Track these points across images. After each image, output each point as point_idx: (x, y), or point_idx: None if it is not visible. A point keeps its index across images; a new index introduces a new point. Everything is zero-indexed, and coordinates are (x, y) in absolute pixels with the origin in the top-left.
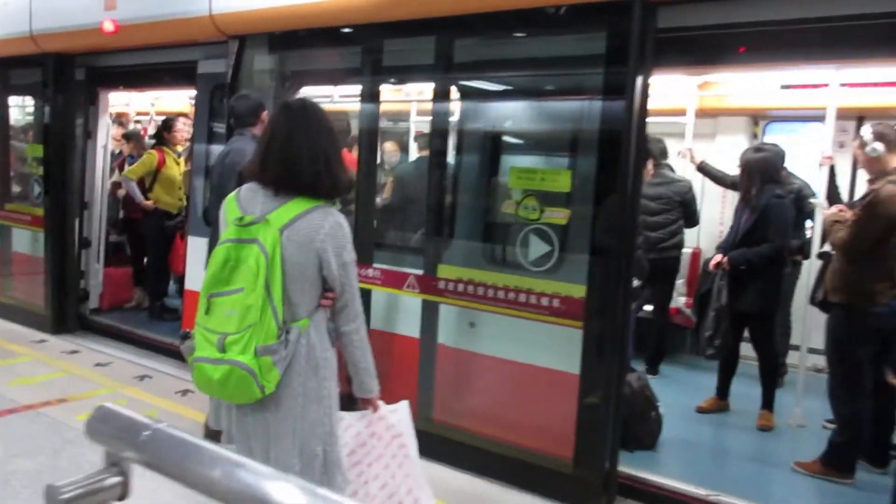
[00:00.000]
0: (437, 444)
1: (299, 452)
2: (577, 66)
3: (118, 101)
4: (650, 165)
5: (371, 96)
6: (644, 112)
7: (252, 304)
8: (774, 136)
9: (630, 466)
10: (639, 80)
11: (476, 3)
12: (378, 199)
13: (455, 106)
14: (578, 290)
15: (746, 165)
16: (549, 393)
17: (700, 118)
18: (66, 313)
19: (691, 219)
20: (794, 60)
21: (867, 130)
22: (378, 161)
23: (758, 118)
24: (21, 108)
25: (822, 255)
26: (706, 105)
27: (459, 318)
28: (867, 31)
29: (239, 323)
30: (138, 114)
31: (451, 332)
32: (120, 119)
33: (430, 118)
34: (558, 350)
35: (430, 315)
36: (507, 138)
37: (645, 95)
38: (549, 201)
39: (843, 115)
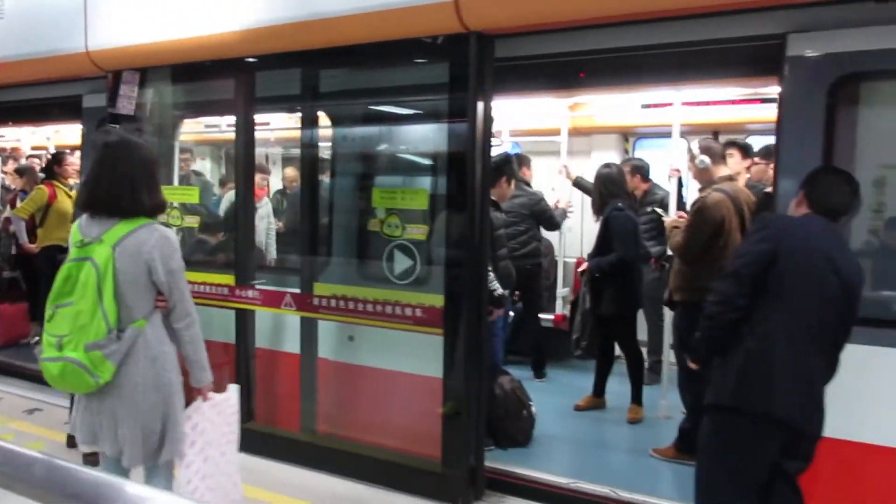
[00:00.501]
0: (320, 453)
1: (141, 430)
2: (426, 94)
3: (12, 136)
4: (510, 184)
5: (245, 126)
6: (487, 134)
7: (82, 310)
8: (643, 151)
9: (501, 462)
10: (479, 105)
11: (333, 37)
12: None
13: (324, 133)
14: (438, 300)
15: (595, 181)
16: (418, 398)
17: (576, 136)
18: None
19: (547, 225)
20: (628, 84)
21: (696, 145)
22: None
23: (628, 135)
24: None
25: (667, 259)
26: (579, 124)
27: (339, 332)
28: (678, 58)
29: (71, 326)
30: (34, 148)
31: (331, 347)
32: (13, 154)
33: (301, 145)
34: (424, 357)
35: (308, 331)
36: (371, 162)
37: (487, 119)
38: (410, 219)
39: (698, 130)
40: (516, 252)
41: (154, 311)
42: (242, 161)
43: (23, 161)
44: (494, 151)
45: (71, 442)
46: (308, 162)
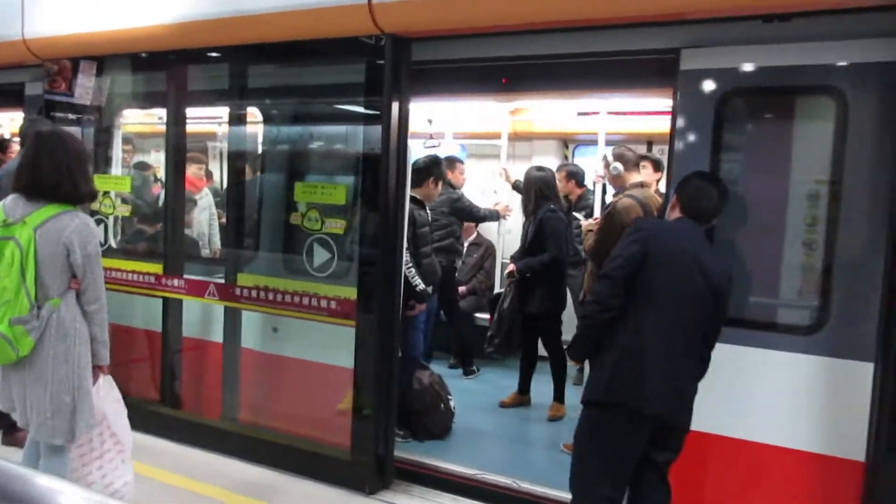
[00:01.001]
0: (238, 441)
1: (50, 400)
2: (344, 94)
3: None
4: (437, 185)
5: (175, 119)
6: (403, 134)
7: (7, 287)
8: (581, 157)
9: (416, 454)
10: (394, 107)
11: (254, 34)
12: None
13: (251, 128)
14: (351, 293)
15: (527, 183)
16: (331, 387)
17: (518, 141)
18: None
19: (469, 218)
20: (548, 90)
21: (610, 152)
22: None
23: (567, 142)
24: None
25: (581, 262)
26: (520, 129)
27: (263, 323)
28: (582, 68)
29: (7, 302)
30: None
31: (254, 337)
32: None
33: (228, 140)
34: (338, 348)
35: (232, 321)
36: (295, 158)
37: (402, 120)
38: (329, 213)
39: (634, 139)
40: (436, 244)
41: (68, 290)
42: (172, 153)
43: None
44: (430, 152)
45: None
46: (234, 156)
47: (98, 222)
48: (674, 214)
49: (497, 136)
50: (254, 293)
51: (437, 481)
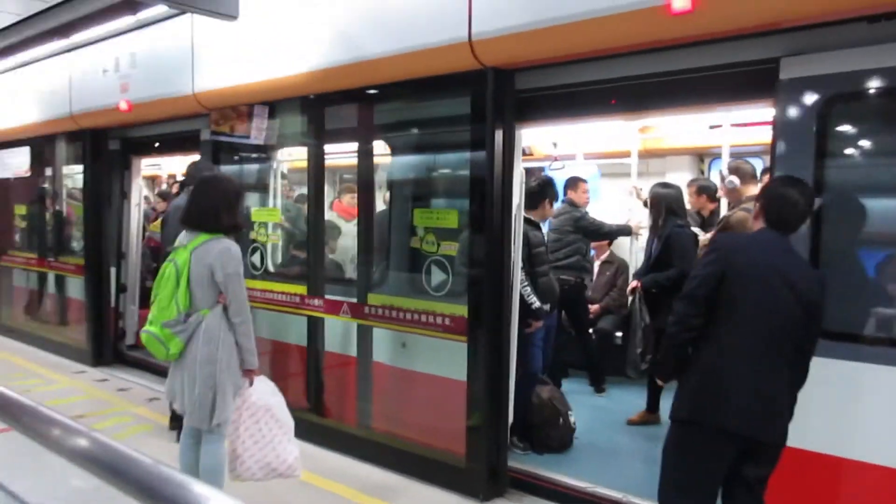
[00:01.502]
0: (368, 446)
1: (198, 393)
2: (454, 125)
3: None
4: (552, 205)
5: (315, 154)
6: (508, 160)
7: (162, 297)
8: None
9: (532, 465)
10: (498, 134)
11: (376, 76)
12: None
13: (377, 161)
14: (462, 310)
15: (654, 200)
16: (449, 399)
17: (651, 158)
18: (102, 348)
19: (596, 236)
20: (655, 109)
21: (726, 166)
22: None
23: (703, 156)
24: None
25: None
26: (651, 146)
27: (391, 338)
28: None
29: (157, 309)
30: (170, 176)
31: (383, 351)
32: (153, 181)
33: (357, 172)
34: (454, 362)
35: (364, 337)
36: (414, 186)
37: (507, 146)
38: (443, 237)
39: (765, 150)
40: (559, 262)
41: (216, 304)
42: (313, 185)
43: (163, 186)
44: (557, 174)
45: (172, 425)
46: (363, 186)
47: (254, 249)
48: (757, 224)
49: (625, 155)
50: (380, 311)
51: (549, 492)
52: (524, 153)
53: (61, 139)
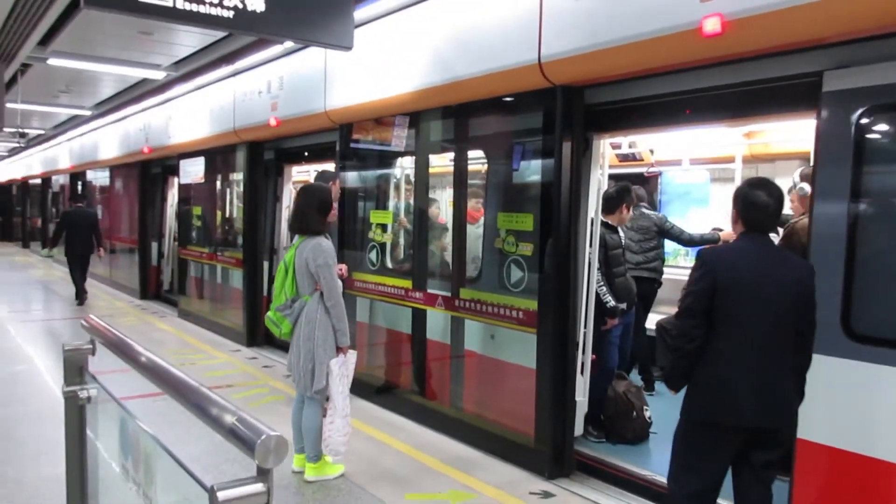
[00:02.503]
0: (454, 424)
1: (301, 365)
2: (530, 136)
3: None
4: (629, 210)
5: (418, 164)
6: (577, 167)
7: (276, 287)
8: None
9: (600, 452)
10: (566, 145)
11: (463, 95)
12: None
13: (470, 169)
14: (533, 305)
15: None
16: (522, 384)
17: (761, 163)
18: (255, 331)
19: (678, 240)
20: (707, 121)
21: (797, 173)
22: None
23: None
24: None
25: None
26: (757, 152)
27: (480, 328)
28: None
29: (276, 295)
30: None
31: (470, 339)
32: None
33: (453, 180)
34: (527, 352)
35: (456, 327)
36: (500, 192)
37: (576, 155)
38: (521, 238)
39: None
40: (640, 266)
41: (315, 291)
42: (418, 191)
43: None
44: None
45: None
46: (457, 193)
47: (372, 248)
48: (737, 229)
49: (730, 160)
50: (468, 304)
51: (613, 477)
52: (634, 158)
53: (227, 151)
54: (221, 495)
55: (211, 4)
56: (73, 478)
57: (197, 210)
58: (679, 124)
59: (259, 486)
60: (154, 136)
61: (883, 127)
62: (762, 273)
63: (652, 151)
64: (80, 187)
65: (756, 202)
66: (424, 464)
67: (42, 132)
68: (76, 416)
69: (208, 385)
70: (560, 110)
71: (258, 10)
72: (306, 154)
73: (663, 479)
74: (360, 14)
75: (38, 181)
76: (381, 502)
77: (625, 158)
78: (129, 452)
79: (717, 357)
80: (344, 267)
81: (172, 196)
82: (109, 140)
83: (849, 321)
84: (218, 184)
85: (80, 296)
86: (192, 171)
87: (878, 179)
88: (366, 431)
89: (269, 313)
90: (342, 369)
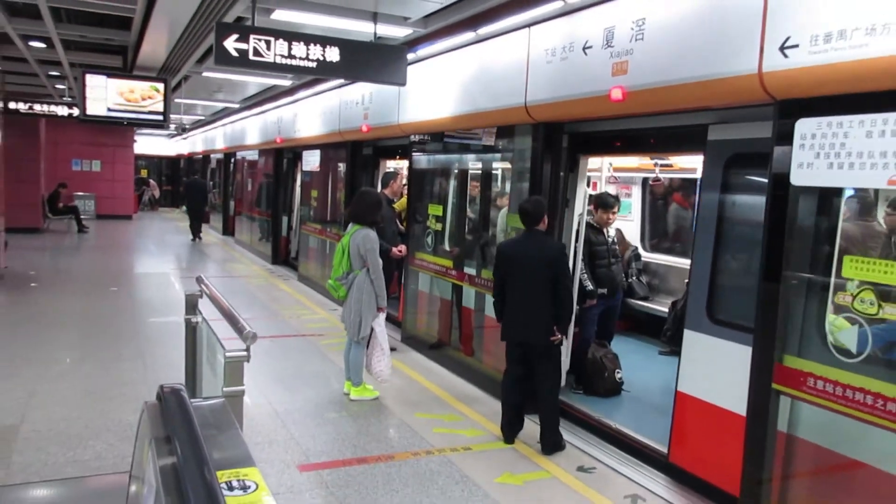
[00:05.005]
0: (471, 370)
1: (351, 318)
2: (525, 156)
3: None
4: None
5: (459, 172)
6: (555, 181)
7: (336, 262)
8: None
9: (574, 401)
10: (547, 166)
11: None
12: None
13: (489, 174)
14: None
15: None
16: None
17: None
18: None
19: None
20: (639, 152)
21: None
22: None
23: None
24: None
25: None
26: None
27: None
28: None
29: (335, 268)
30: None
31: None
32: None
33: (478, 188)
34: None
35: (479, 298)
36: (503, 195)
37: (553, 173)
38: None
39: None
40: None
41: (363, 268)
42: (457, 192)
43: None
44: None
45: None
46: (480, 197)
47: (427, 233)
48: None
49: None
50: (486, 282)
51: (577, 420)
52: (669, 165)
53: (335, 147)
54: (228, 355)
55: (301, 58)
56: (188, 362)
57: (314, 192)
58: (625, 153)
59: (243, 352)
60: (284, 129)
61: (741, 168)
62: (525, 250)
63: (656, 164)
64: (195, 165)
65: (524, 210)
66: (439, 396)
67: (202, 118)
68: (191, 331)
69: (304, 332)
70: (541, 139)
71: (335, 61)
72: (398, 152)
73: (615, 425)
74: (413, 56)
75: (200, 157)
76: (395, 415)
77: (664, 166)
78: (206, 346)
79: (507, 300)
80: (403, 248)
81: (299, 179)
82: (252, 129)
83: (711, 308)
84: (329, 172)
85: (196, 236)
86: (311, 161)
87: (737, 201)
88: (407, 372)
89: (330, 281)
90: (381, 322)
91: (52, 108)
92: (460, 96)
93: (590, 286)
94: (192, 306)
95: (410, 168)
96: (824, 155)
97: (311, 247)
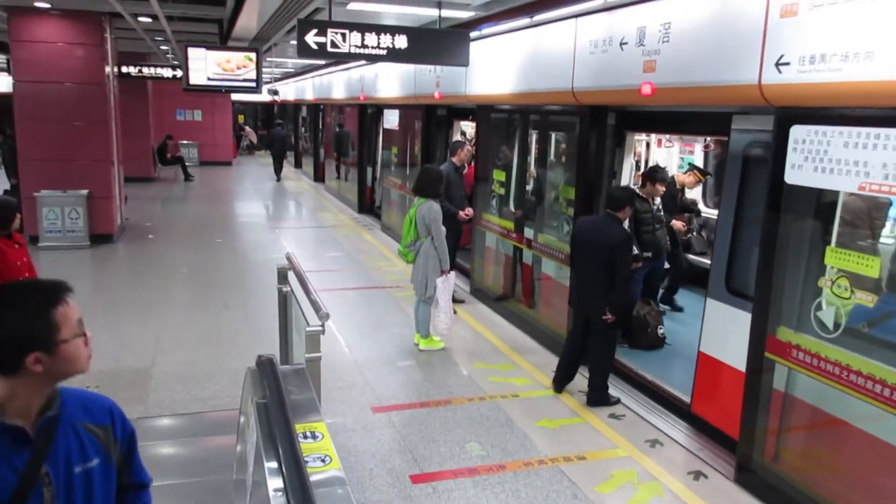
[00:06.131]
0: (529, 322)
1: (419, 280)
2: (573, 131)
3: None
4: (654, 185)
5: (522, 144)
6: (600, 155)
7: (405, 231)
8: None
9: (620, 355)
10: (592, 141)
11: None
12: None
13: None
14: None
15: None
16: (566, 298)
17: None
18: None
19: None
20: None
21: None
22: None
23: None
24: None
25: None
26: None
27: (553, 262)
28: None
29: (404, 236)
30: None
31: (549, 267)
32: None
33: (534, 157)
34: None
35: (536, 259)
36: (552, 169)
37: (598, 147)
38: (568, 203)
39: None
40: None
41: (429, 236)
42: (520, 163)
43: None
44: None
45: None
46: (536, 169)
47: (493, 197)
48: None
49: None
50: (541, 246)
51: (617, 371)
52: None
53: (412, 107)
54: (308, 329)
55: (373, 47)
56: (281, 322)
57: (394, 149)
58: (666, 131)
59: (319, 328)
60: (367, 88)
61: (757, 152)
62: (590, 233)
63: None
64: (287, 112)
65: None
66: (498, 347)
67: (292, 70)
68: (283, 300)
69: (384, 284)
70: (588, 118)
71: (403, 48)
72: (470, 114)
73: (650, 377)
74: (477, 34)
75: (292, 105)
76: (457, 364)
77: None
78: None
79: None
80: (469, 210)
81: (381, 134)
82: (338, 84)
83: (729, 280)
84: (407, 130)
85: (278, 174)
86: (391, 119)
87: (752, 187)
88: (471, 324)
89: (400, 247)
90: (445, 284)
91: (159, 70)
92: (517, 75)
93: (635, 250)
94: (282, 276)
95: (477, 136)
96: (811, 159)
97: (393, 199)
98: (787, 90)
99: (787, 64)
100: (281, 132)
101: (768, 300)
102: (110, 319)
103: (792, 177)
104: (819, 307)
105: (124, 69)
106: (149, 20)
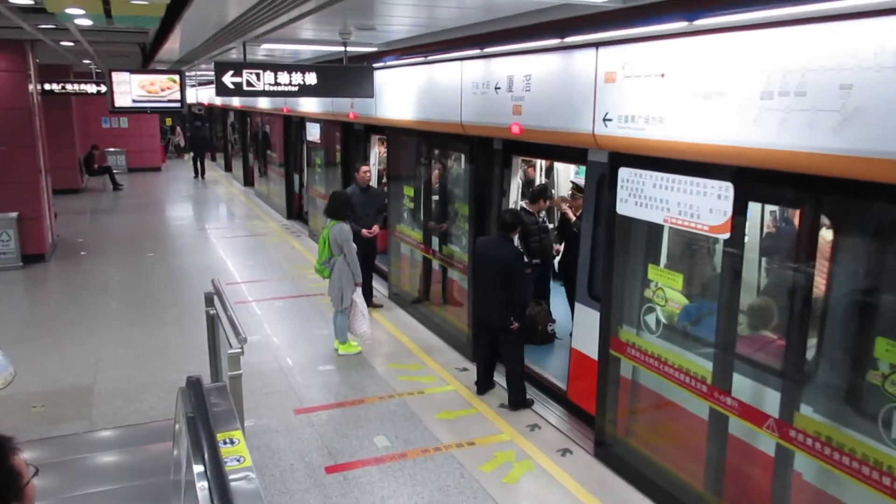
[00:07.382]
0: (437, 322)
1: (334, 293)
2: (461, 157)
3: None
4: (544, 202)
5: (426, 166)
6: (485, 176)
7: (320, 249)
8: None
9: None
10: (472, 166)
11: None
12: None
13: (447, 168)
14: (465, 258)
15: None
16: (466, 297)
17: None
18: None
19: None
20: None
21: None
22: None
23: None
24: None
25: None
26: None
27: (456, 271)
28: None
29: (319, 255)
30: None
31: (451, 274)
32: None
33: (437, 181)
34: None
35: (443, 267)
36: (454, 185)
37: (477, 171)
38: (462, 219)
39: None
40: None
41: (340, 254)
42: (423, 180)
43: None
44: None
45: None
46: (439, 188)
47: (405, 210)
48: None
49: None
50: (444, 256)
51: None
52: None
53: (332, 123)
54: (230, 352)
55: (285, 84)
56: (210, 341)
57: (317, 159)
58: (545, 157)
59: (238, 350)
60: (290, 102)
61: (604, 181)
62: (487, 252)
63: None
64: (212, 114)
65: (499, 218)
66: (410, 349)
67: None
68: (211, 321)
69: (309, 292)
70: (477, 145)
71: (313, 83)
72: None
73: (536, 369)
74: (381, 64)
75: (219, 110)
76: (372, 366)
77: None
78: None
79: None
80: (375, 228)
81: (306, 143)
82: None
83: (590, 287)
84: (328, 141)
85: (200, 175)
86: (313, 132)
87: (603, 207)
88: (388, 328)
89: (315, 265)
90: (357, 292)
91: (83, 86)
92: (416, 105)
93: (524, 258)
94: (209, 300)
95: (389, 154)
96: (632, 195)
97: (318, 206)
98: (612, 140)
99: (611, 120)
100: (202, 134)
101: (610, 306)
102: (49, 340)
103: (620, 209)
104: (647, 312)
105: (48, 86)
106: (71, 44)
